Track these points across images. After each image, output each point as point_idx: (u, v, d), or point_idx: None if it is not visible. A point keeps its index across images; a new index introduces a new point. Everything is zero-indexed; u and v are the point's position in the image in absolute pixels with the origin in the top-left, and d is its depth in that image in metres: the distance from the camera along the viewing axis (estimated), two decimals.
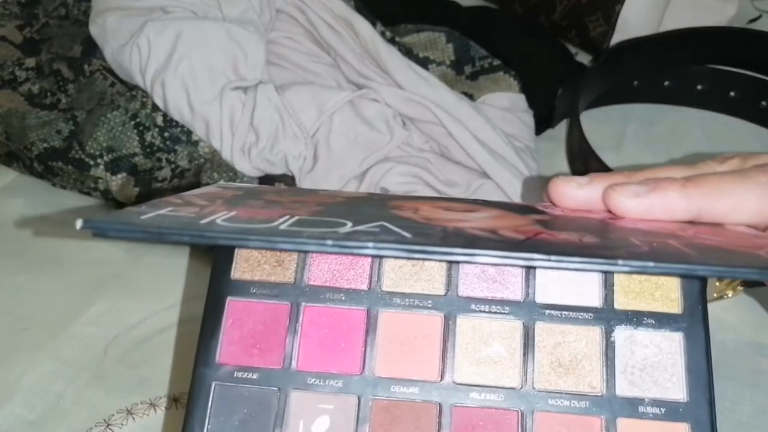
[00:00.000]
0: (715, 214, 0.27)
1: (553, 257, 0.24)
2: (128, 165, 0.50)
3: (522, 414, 0.27)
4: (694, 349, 0.28)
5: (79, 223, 0.24)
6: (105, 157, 0.50)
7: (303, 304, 0.29)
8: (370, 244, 0.24)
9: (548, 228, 0.26)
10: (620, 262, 0.24)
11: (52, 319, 0.45)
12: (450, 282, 0.30)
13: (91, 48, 0.54)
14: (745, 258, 0.23)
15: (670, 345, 0.28)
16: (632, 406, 0.27)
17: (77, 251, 0.50)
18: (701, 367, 0.28)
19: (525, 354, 0.28)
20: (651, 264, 0.23)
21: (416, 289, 0.30)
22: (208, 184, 0.48)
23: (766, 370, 0.43)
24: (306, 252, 0.29)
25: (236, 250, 0.30)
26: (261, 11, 0.53)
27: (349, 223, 0.25)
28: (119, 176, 0.50)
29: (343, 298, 0.29)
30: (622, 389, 0.28)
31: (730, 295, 0.46)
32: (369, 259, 0.30)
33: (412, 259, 0.29)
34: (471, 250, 0.24)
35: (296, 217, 0.25)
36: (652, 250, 0.24)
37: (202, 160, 0.50)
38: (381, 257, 0.30)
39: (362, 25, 0.53)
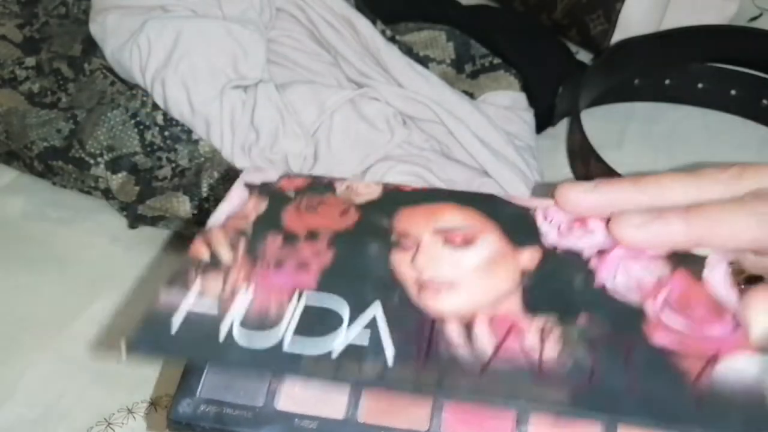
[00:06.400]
0: (714, 241, 0.28)
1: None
2: (128, 164, 0.50)
3: None
4: None
5: (124, 355, 0.25)
6: (105, 156, 0.50)
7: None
8: (352, 378, 0.24)
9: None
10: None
11: (52, 318, 0.45)
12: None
13: (92, 47, 0.54)
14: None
15: None
16: None
17: (77, 250, 0.50)
18: None
19: None
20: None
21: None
22: (208, 183, 0.48)
23: None
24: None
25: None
26: (261, 10, 0.53)
27: (346, 316, 0.25)
28: (119, 175, 0.50)
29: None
30: None
31: None
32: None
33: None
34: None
35: (302, 304, 0.26)
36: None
37: (202, 159, 0.50)
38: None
39: (362, 23, 0.53)
